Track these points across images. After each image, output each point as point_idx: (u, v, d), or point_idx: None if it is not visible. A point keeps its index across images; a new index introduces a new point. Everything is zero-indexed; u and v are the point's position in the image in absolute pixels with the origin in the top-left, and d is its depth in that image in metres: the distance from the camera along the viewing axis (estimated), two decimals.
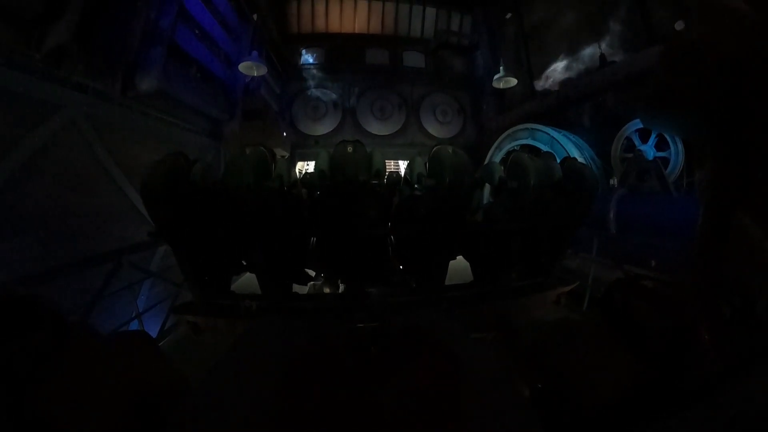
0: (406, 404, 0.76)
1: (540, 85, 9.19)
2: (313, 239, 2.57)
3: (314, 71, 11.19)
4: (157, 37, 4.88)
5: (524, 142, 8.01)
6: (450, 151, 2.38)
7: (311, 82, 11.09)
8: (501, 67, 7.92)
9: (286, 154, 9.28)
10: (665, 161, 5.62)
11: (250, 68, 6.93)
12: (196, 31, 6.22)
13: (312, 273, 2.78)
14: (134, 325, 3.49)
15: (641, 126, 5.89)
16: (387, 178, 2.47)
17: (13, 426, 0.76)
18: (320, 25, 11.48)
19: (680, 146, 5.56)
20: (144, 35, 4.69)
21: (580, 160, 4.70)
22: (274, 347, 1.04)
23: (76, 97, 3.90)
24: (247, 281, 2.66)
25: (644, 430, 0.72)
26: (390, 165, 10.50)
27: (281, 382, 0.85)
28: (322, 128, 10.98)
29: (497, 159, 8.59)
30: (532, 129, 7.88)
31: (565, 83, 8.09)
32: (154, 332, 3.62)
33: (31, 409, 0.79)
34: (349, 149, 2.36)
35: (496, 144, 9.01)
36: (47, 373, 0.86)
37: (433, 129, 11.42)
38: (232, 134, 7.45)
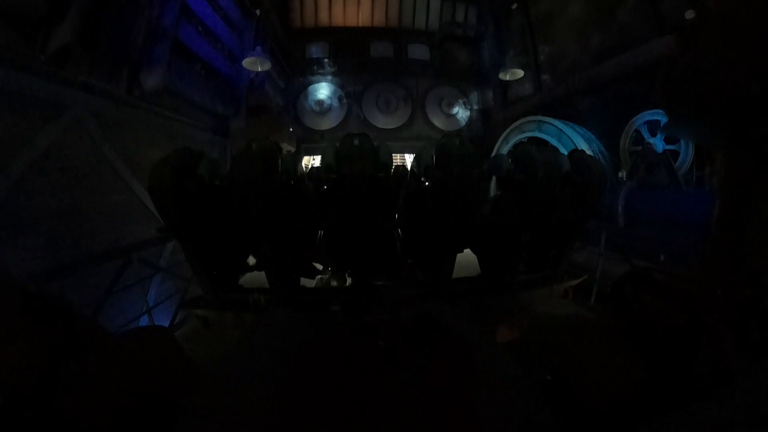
0: (416, 394, 0.76)
1: (547, 76, 9.05)
2: (321, 233, 2.57)
3: (318, 65, 11.14)
4: (160, 35, 4.89)
5: (531, 134, 7.91)
6: (457, 143, 2.36)
7: (316, 77, 11.04)
8: (507, 59, 7.82)
9: (292, 149, 9.29)
10: (675, 154, 5.51)
11: (254, 64, 6.93)
12: (199, 28, 6.21)
13: (320, 267, 2.79)
14: (144, 320, 3.55)
15: (650, 118, 5.79)
16: (394, 171, 2.46)
17: (33, 417, 0.77)
18: (324, 18, 11.40)
19: None
20: (147, 33, 4.70)
21: (589, 152, 4.64)
22: (283, 340, 1.05)
23: (82, 97, 3.93)
24: (255, 275, 2.68)
25: (658, 423, 0.71)
26: (396, 159, 10.46)
27: (290, 374, 0.85)
28: (328, 122, 10.95)
29: (504, 151, 8.53)
30: (540, 121, 7.78)
31: (572, 74, 7.95)
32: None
33: (51, 400, 0.80)
34: (356, 143, 2.35)
35: (503, 136, 8.92)
36: (65, 365, 0.88)
37: (439, 122, 11.33)
38: (238, 130, 7.47)
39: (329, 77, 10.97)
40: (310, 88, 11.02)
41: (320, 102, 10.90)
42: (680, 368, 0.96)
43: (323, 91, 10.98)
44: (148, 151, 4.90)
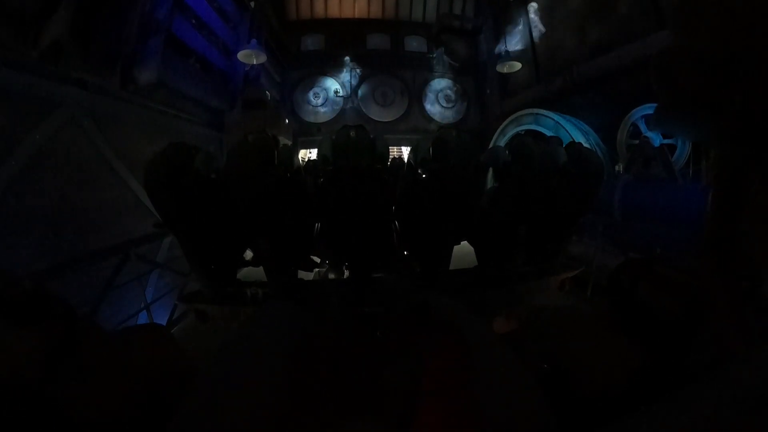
0: (414, 384, 0.76)
1: (545, 69, 9.00)
2: (318, 226, 2.57)
3: (315, 58, 11.02)
4: (153, 28, 4.82)
5: (529, 127, 7.90)
6: (454, 134, 2.35)
7: (312, 69, 10.93)
8: (505, 52, 7.76)
9: (289, 142, 9.24)
10: (672, 148, 5.51)
11: (249, 57, 6.85)
12: (193, 21, 6.13)
13: (317, 260, 2.79)
14: (143, 316, 3.55)
15: (648, 112, 5.77)
16: (391, 163, 2.45)
17: (31, 415, 0.77)
18: (320, 10, 11.27)
19: None
20: (141, 27, 4.63)
21: (586, 145, 4.63)
22: (280, 331, 1.05)
23: (76, 93, 3.88)
24: (252, 269, 2.68)
25: (653, 409, 0.72)
26: (393, 151, 10.41)
27: (288, 364, 0.86)
28: (324, 115, 10.89)
29: (501, 144, 8.51)
30: (537, 114, 7.76)
31: (570, 67, 7.91)
32: (162, 322, 3.68)
33: (48, 398, 0.80)
34: (352, 134, 2.34)
35: (500, 129, 8.90)
36: (62, 363, 0.87)
37: (437, 114, 11.29)
38: (234, 124, 7.41)
39: (325, 70, 10.86)
40: (306, 80, 10.93)
41: (316, 95, 10.81)
42: (677, 357, 0.97)
43: (319, 83, 10.88)
44: (143, 146, 4.86)
